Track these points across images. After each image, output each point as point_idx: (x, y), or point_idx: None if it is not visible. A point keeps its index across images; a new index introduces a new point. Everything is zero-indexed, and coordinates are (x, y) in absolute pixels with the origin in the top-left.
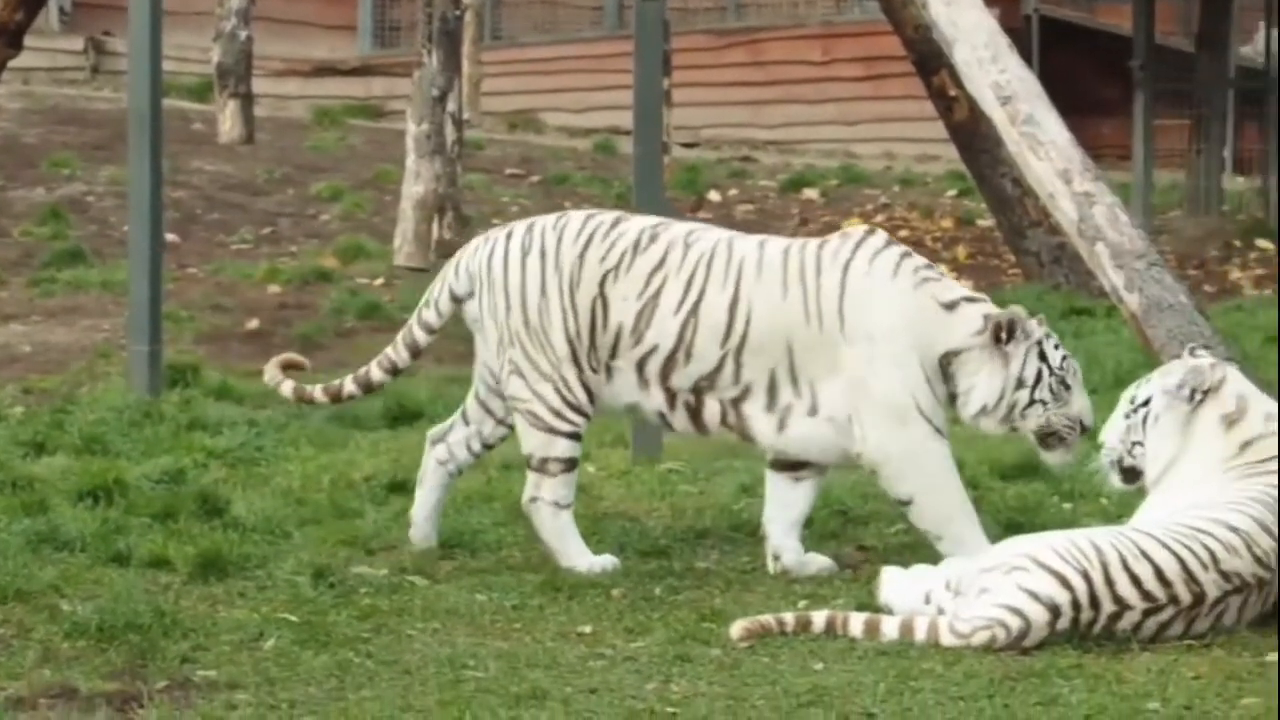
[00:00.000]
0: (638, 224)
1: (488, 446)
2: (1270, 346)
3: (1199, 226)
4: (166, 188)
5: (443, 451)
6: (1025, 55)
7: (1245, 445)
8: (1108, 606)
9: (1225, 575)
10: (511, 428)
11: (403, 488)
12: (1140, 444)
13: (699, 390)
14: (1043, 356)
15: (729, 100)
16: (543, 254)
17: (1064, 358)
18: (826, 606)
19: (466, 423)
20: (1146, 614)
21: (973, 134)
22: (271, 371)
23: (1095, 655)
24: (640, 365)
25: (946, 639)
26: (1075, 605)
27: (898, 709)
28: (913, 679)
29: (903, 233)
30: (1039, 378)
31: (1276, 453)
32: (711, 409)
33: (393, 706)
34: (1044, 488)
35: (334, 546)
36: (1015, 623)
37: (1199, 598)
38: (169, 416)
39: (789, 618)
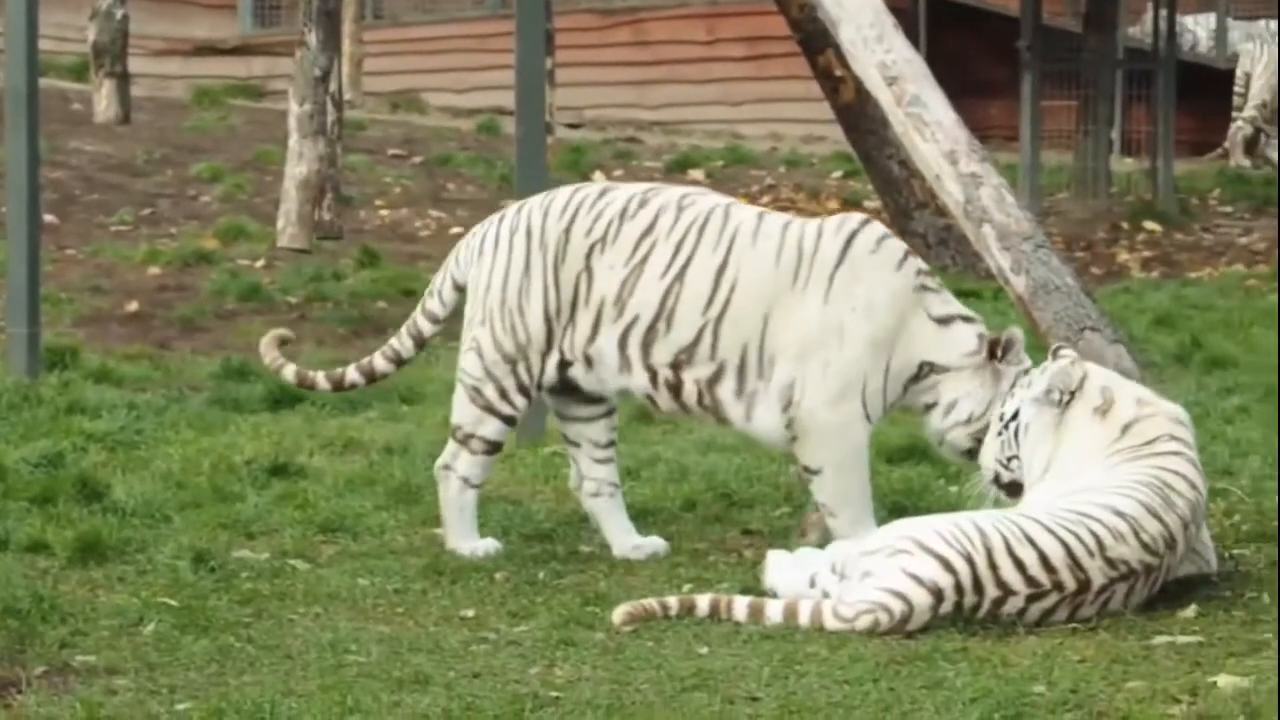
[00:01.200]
0: (626, 192)
1: (611, 444)
2: (1157, 329)
3: (1086, 208)
4: (44, 168)
5: (590, 486)
6: (913, 36)
7: (1126, 428)
8: (991, 591)
9: (1111, 562)
10: (610, 412)
11: (284, 471)
12: (1016, 457)
13: (677, 366)
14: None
15: (613, 80)
16: (528, 232)
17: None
18: (711, 590)
19: (577, 445)
20: (1030, 600)
21: (859, 115)
22: (272, 354)
23: (981, 639)
24: (622, 341)
25: (830, 623)
26: (959, 589)
27: (782, 693)
28: (798, 663)
29: (789, 214)
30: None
31: (1158, 432)
32: (690, 388)
33: (274, 691)
34: (930, 470)
35: (214, 530)
36: (898, 606)
37: (1084, 584)
38: (48, 399)
39: (673, 601)
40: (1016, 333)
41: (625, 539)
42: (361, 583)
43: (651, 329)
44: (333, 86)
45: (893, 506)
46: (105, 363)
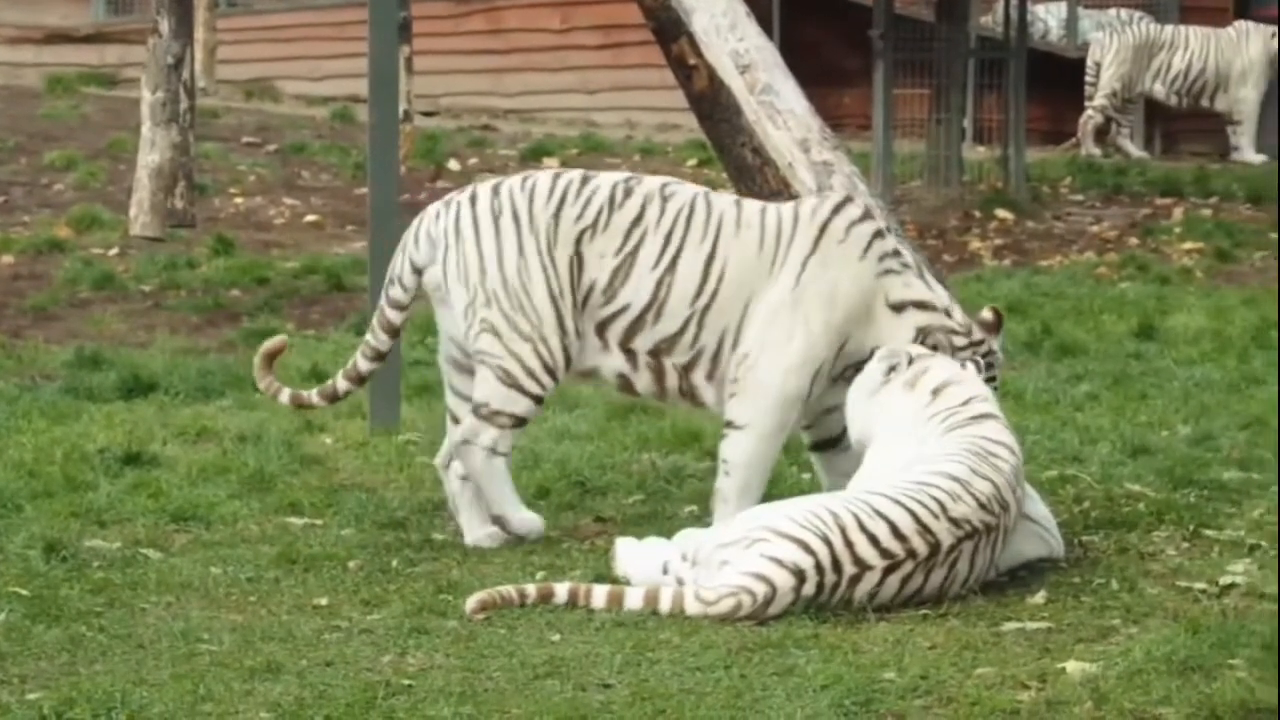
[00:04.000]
0: (609, 179)
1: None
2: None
3: (939, 196)
4: None
5: (460, 467)
6: (766, 25)
7: (936, 392)
8: (849, 568)
9: (955, 522)
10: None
11: (136, 460)
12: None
13: (657, 353)
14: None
15: (469, 68)
16: (515, 215)
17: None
18: (564, 578)
19: (458, 423)
20: (887, 571)
21: (713, 103)
22: (266, 380)
23: (832, 625)
24: (602, 327)
25: (692, 607)
26: (819, 569)
27: (634, 680)
28: (650, 650)
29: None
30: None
31: (970, 394)
32: (670, 375)
33: (125, 680)
34: (782, 458)
35: (66, 519)
36: (761, 589)
37: (934, 548)
38: None
39: (531, 589)
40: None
41: (480, 529)
42: (214, 571)
43: (639, 319)
44: (186, 74)
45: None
46: None
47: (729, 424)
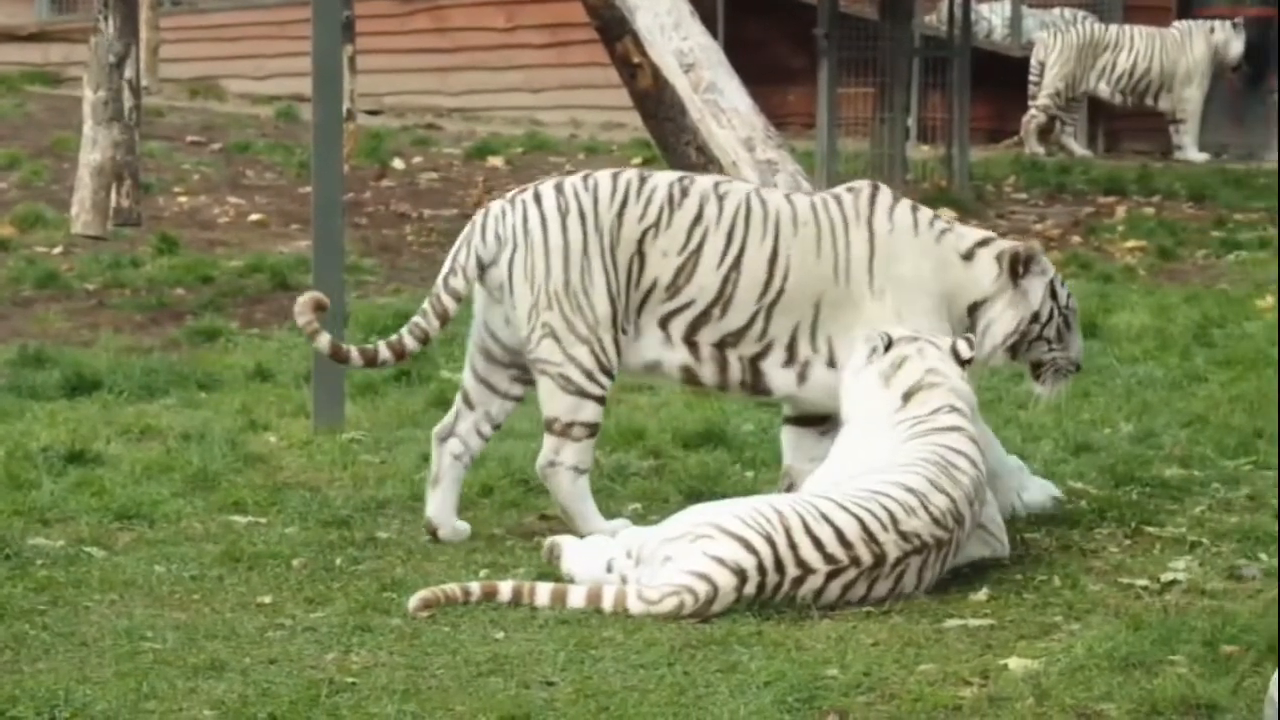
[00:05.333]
0: (665, 178)
1: (496, 426)
2: None
3: None
4: None
5: (456, 445)
6: (710, 23)
7: (908, 396)
8: (792, 570)
9: (904, 536)
10: (518, 399)
11: (80, 458)
12: None
13: (722, 345)
14: (1053, 294)
15: (413, 67)
16: (581, 214)
17: (1069, 297)
18: (508, 576)
19: (471, 407)
20: (830, 576)
21: (657, 102)
22: (307, 317)
23: (775, 623)
24: (665, 321)
25: (635, 606)
26: (761, 569)
27: (578, 677)
28: (593, 647)
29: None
30: (1050, 315)
31: (940, 402)
32: (734, 365)
33: (69, 679)
34: (726, 456)
35: (9, 518)
36: (703, 588)
37: (880, 559)
38: None
39: (475, 587)
40: (1035, 246)
41: (449, 520)
42: (158, 570)
43: (705, 313)
44: (130, 73)
45: (689, 491)
46: None
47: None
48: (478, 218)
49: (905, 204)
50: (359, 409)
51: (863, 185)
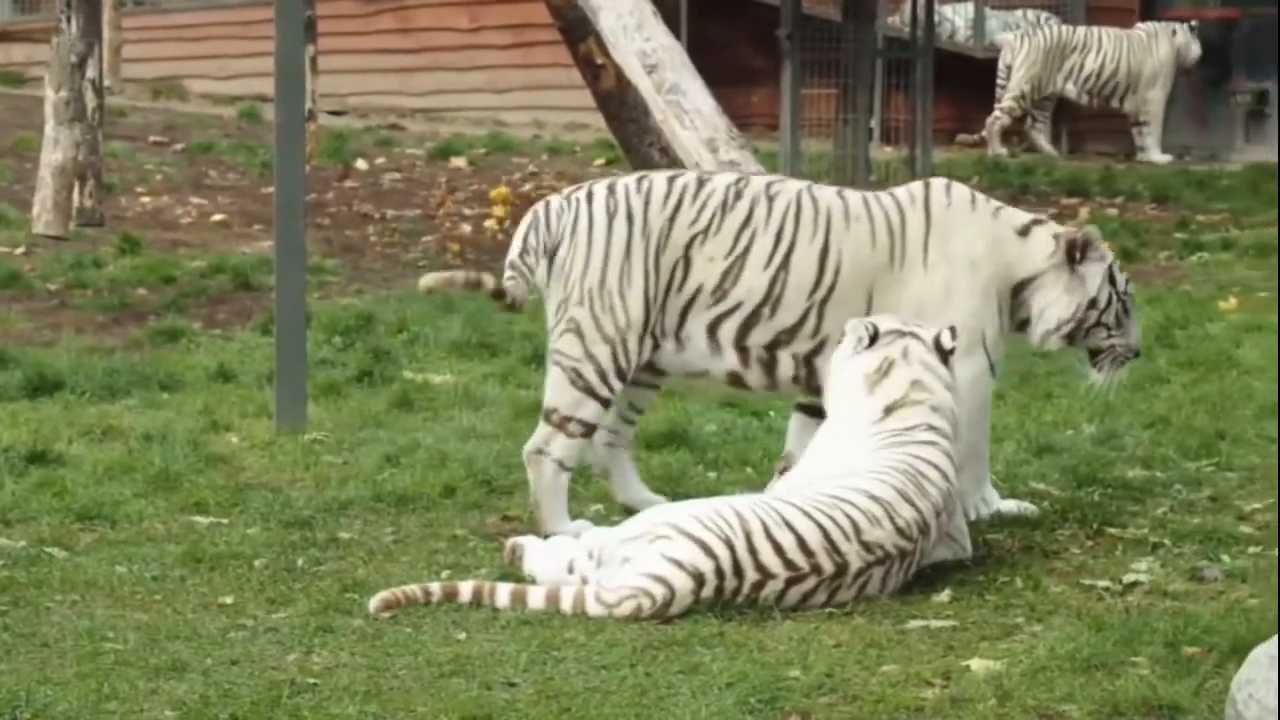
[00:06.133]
0: (721, 182)
1: (640, 412)
2: None
3: None
4: None
5: (604, 434)
6: (673, 24)
7: (889, 410)
8: (751, 575)
9: (868, 546)
10: (656, 387)
11: (42, 459)
12: None
13: (774, 346)
14: (1112, 280)
15: (377, 68)
16: (629, 216)
17: (1127, 283)
18: (470, 577)
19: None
20: (790, 583)
21: (620, 102)
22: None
23: (738, 624)
24: (713, 327)
25: (593, 608)
26: (719, 573)
27: (540, 678)
28: (555, 648)
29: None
30: (1109, 301)
31: (918, 420)
32: (785, 364)
33: (30, 679)
34: (689, 457)
35: None
36: (660, 591)
37: (841, 568)
38: None
39: (435, 588)
40: (1092, 231)
41: (637, 490)
42: (119, 570)
43: (754, 314)
44: (92, 73)
45: (652, 492)
46: None
47: None
48: (539, 209)
49: (963, 187)
50: (321, 409)
51: (920, 182)
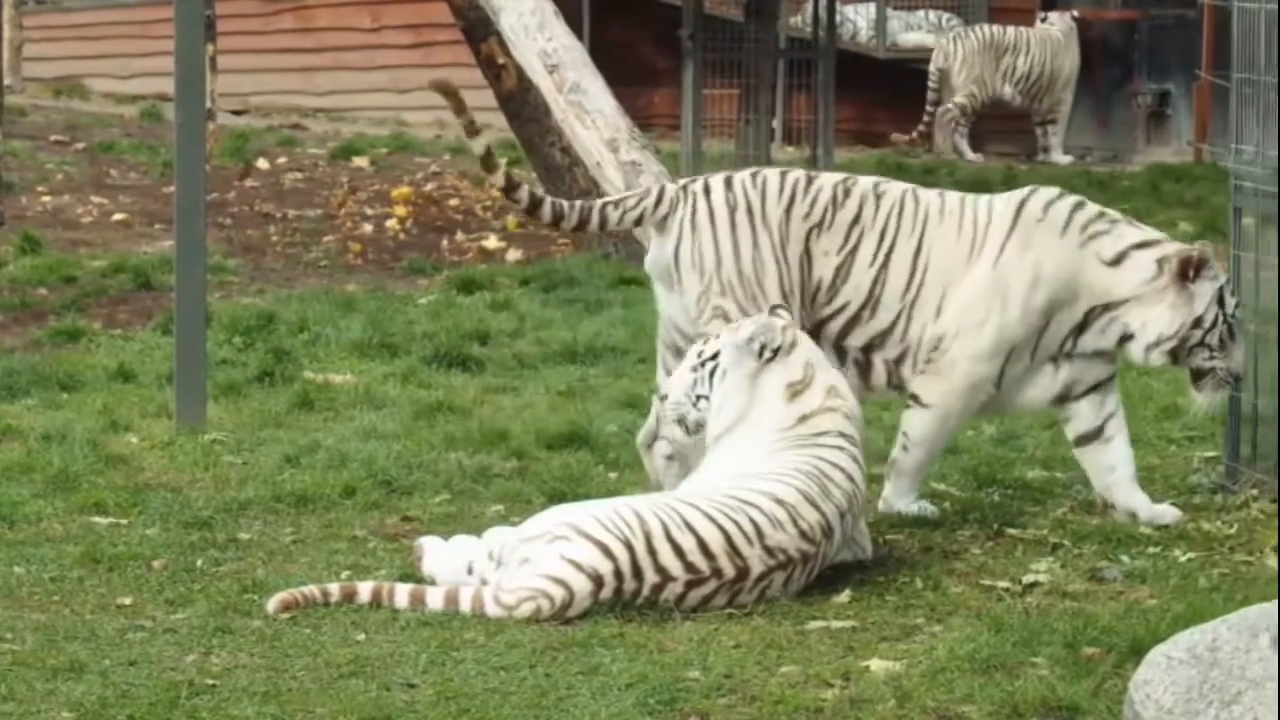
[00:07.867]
0: (830, 179)
1: None
2: None
3: None
4: None
5: (664, 446)
6: (575, 24)
7: (803, 418)
8: (650, 577)
9: (770, 550)
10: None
11: None
12: (706, 398)
13: (869, 349)
14: (1220, 301)
15: (278, 67)
16: (749, 210)
17: (1236, 306)
18: (370, 577)
19: None
20: (690, 585)
21: (521, 102)
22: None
23: (638, 624)
24: (818, 327)
25: (491, 610)
26: (618, 575)
27: (439, 679)
28: (455, 649)
29: (453, 201)
30: (1215, 322)
31: (829, 427)
32: (878, 369)
33: None
34: (589, 457)
35: None
36: (559, 593)
37: (743, 572)
38: None
39: (334, 588)
40: (1207, 251)
41: None
42: (17, 571)
43: (856, 316)
44: None
45: (552, 493)
46: None
47: (914, 398)
48: (653, 190)
49: (1069, 200)
50: (222, 409)
51: (1028, 187)
